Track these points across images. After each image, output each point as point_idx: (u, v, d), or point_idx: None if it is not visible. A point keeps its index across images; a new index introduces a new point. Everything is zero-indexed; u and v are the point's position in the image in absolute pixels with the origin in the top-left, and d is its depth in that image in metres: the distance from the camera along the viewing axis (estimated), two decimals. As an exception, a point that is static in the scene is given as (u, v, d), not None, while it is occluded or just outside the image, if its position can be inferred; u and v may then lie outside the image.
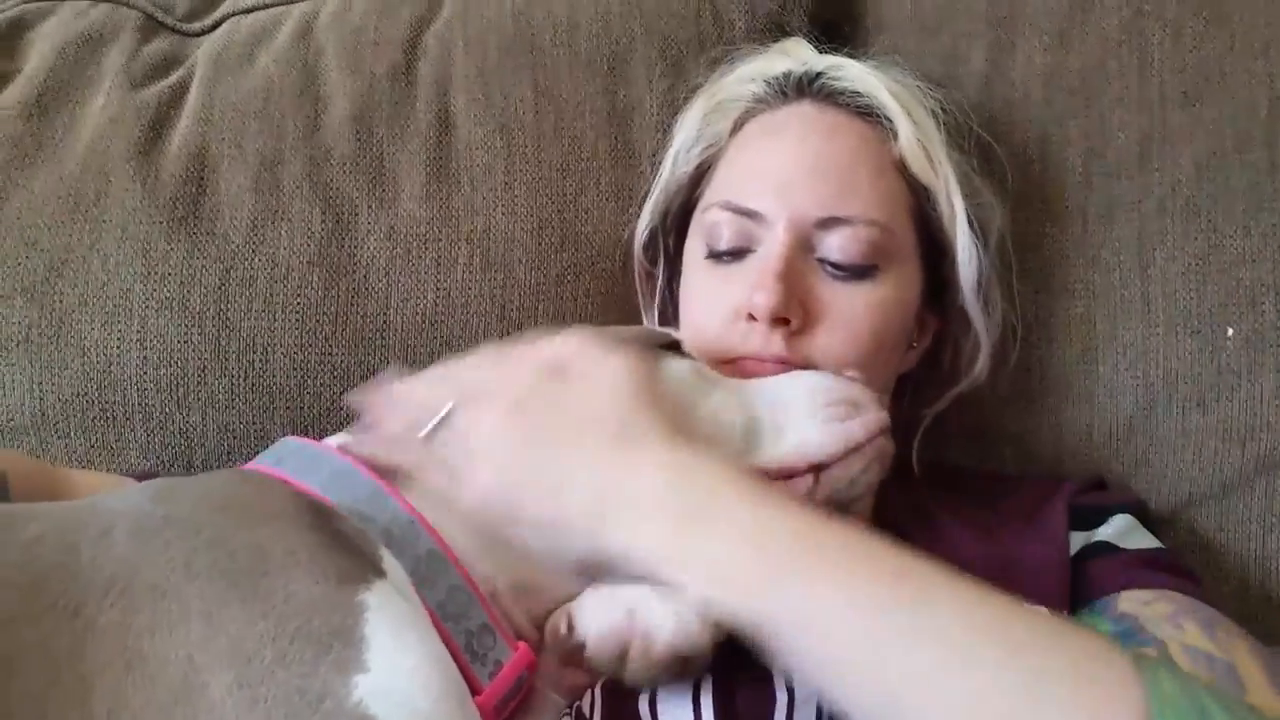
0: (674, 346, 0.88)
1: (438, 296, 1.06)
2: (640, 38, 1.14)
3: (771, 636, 0.65)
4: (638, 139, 1.12)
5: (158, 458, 1.05)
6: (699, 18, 1.16)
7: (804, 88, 1.01)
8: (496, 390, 0.75)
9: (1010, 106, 1.11)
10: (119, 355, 1.03)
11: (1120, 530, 0.94)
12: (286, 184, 1.07)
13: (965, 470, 1.10)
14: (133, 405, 1.04)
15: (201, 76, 1.13)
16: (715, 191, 1.00)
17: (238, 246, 1.05)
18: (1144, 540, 0.94)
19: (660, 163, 1.08)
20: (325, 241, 1.06)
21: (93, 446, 1.04)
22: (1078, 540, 0.93)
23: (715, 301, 0.95)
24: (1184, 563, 0.93)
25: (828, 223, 0.93)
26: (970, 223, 0.99)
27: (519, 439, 0.73)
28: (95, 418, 1.04)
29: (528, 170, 1.09)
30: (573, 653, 0.75)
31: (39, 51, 1.14)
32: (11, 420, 1.04)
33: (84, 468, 1.03)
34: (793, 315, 0.90)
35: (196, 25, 1.20)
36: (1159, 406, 1.06)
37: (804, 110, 1.00)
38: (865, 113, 0.99)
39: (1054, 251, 1.09)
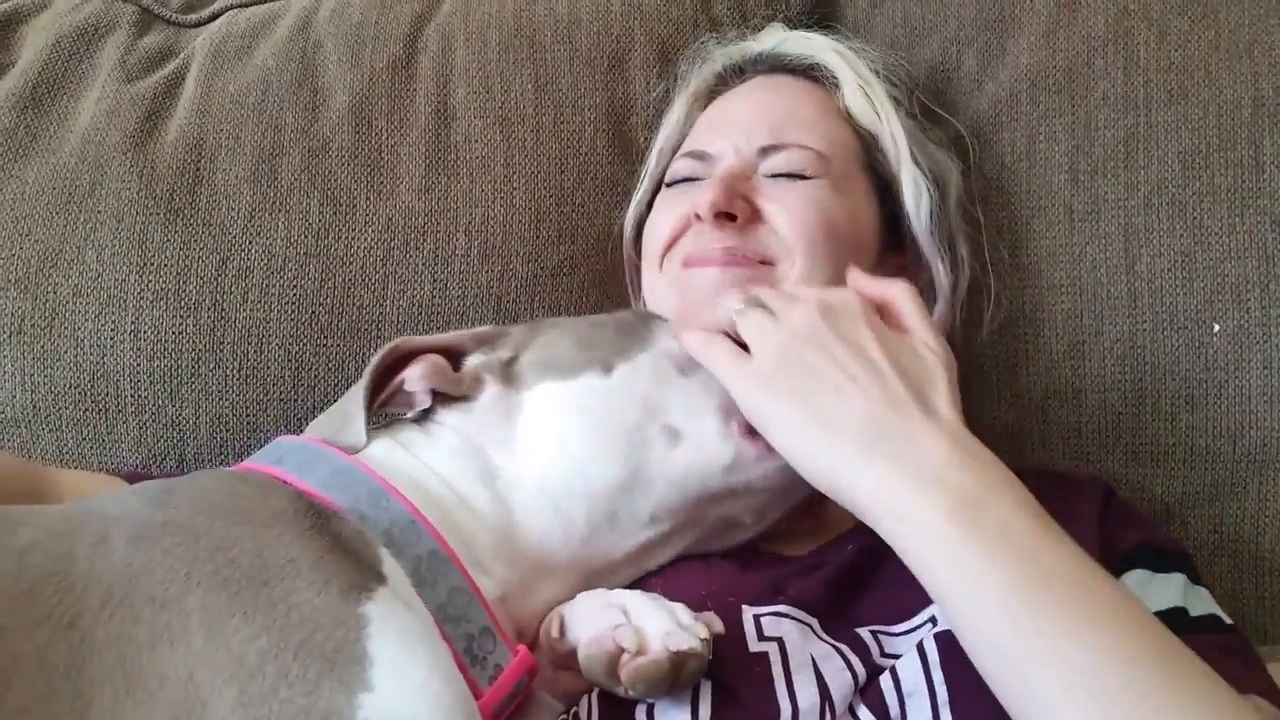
0: None
1: (434, 288, 1.06)
2: (639, 38, 1.16)
3: (990, 654, 0.66)
4: (634, 135, 1.13)
5: (150, 450, 1.04)
6: (695, 24, 1.18)
7: (758, 64, 1.09)
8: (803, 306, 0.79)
9: (997, 106, 1.13)
10: (113, 347, 1.03)
11: (1184, 590, 0.92)
12: (284, 175, 1.07)
13: None
14: (126, 397, 1.03)
15: (198, 68, 1.13)
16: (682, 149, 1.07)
17: (234, 237, 1.05)
18: (1209, 605, 0.92)
19: (647, 157, 1.11)
20: (322, 233, 1.06)
21: (84, 439, 1.03)
22: (1148, 586, 0.91)
23: (667, 216, 1.00)
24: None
25: (768, 149, 0.99)
26: (916, 161, 1.03)
27: (812, 345, 0.76)
28: (88, 410, 1.03)
29: (526, 163, 1.10)
30: (565, 657, 0.74)
31: (34, 44, 1.14)
32: (2, 413, 1.02)
33: (75, 461, 1.03)
34: (737, 211, 0.94)
35: (193, 17, 1.21)
36: (1147, 403, 1.07)
37: (756, 80, 1.08)
38: (813, 75, 1.06)
39: (1040, 248, 1.10)
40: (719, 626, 0.73)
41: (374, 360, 0.81)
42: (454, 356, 0.85)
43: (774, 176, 0.97)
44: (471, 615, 0.71)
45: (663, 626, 0.70)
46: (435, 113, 1.11)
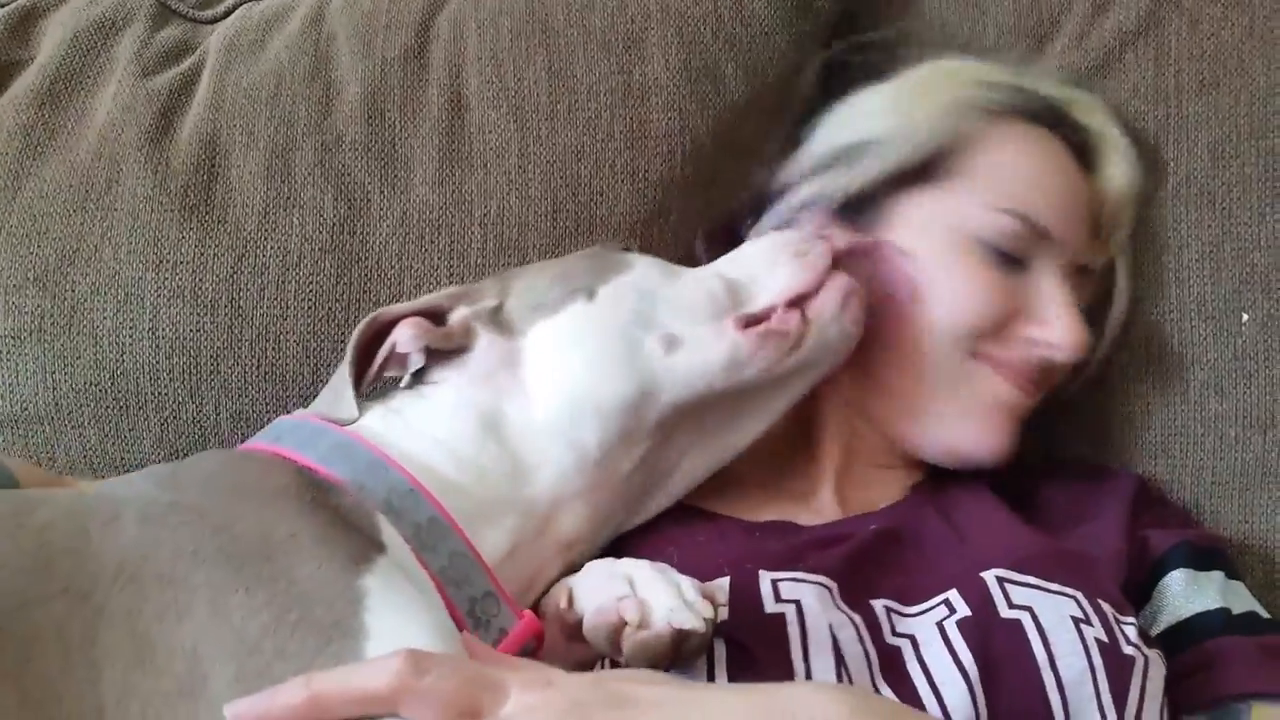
0: None
1: (451, 282, 1.04)
2: (656, 16, 1.12)
3: None
4: (653, 119, 1.10)
5: (171, 447, 1.04)
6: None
7: (1055, 119, 1.03)
8: None
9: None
10: (131, 344, 1.03)
11: (1224, 588, 0.91)
12: (298, 170, 1.07)
13: None
14: (146, 394, 1.03)
15: (213, 64, 1.12)
16: (998, 194, 0.97)
17: (250, 234, 1.05)
18: (1248, 601, 0.92)
19: (808, 132, 1.06)
20: (337, 228, 1.05)
21: (106, 437, 1.04)
22: (1192, 586, 0.91)
23: (992, 302, 0.96)
24: None
25: (1082, 269, 1.01)
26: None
27: None
28: (108, 407, 1.03)
29: (541, 153, 1.08)
30: (574, 628, 0.75)
31: (51, 39, 1.14)
32: (25, 410, 1.03)
33: (99, 458, 1.03)
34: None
35: (208, 12, 1.20)
36: (1176, 393, 1.06)
37: (1055, 146, 1.02)
38: (1072, 140, 1.03)
39: (1069, 238, 1.09)
40: (723, 598, 0.74)
41: (355, 333, 0.83)
42: (434, 318, 0.87)
43: None
44: (473, 579, 0.73)
45: (667, 602, 0.70)
46: (448, 103, 1.10)
